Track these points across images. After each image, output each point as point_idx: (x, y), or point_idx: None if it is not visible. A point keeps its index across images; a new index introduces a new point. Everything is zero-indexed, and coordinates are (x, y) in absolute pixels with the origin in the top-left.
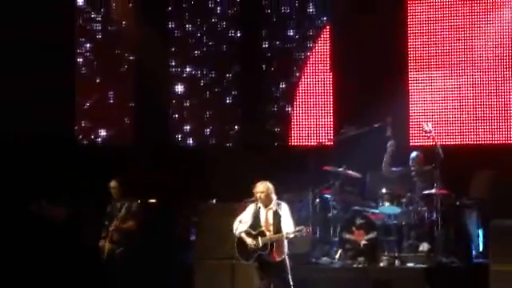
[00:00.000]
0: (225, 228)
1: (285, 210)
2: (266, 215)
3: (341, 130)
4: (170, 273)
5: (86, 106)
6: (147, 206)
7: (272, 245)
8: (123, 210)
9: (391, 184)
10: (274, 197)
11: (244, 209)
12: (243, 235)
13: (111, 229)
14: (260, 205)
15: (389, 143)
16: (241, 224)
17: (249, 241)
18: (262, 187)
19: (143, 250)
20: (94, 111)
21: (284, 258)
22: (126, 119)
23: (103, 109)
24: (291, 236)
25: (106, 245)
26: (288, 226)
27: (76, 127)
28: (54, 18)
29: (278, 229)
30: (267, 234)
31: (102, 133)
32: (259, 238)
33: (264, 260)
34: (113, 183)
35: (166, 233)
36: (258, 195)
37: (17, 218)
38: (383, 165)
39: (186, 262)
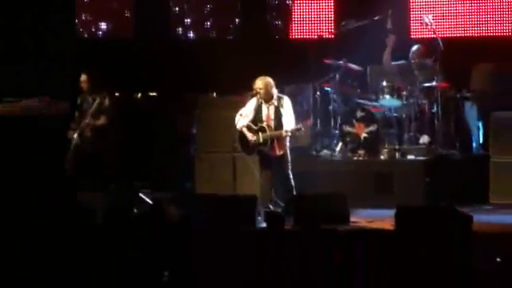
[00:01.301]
0: (225, 121)
1: (287, 105)
2: (268, 110)
3: (341, 23)
4: (171, 165)
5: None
6: (148, 98)
7: (272, 140)
8: (95, 105)
9: (392, 77)
10: (274, 92)
11: (245, 102)
12: (244, 130)
13: (83, 125)
14: (261, 100)
15: (389, 37)
16: (242, 118)
17: (249, 136)
18: (261, 83)
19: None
20: (95, 4)
21: (285, 152)
22: (126, 12)
23: (103, 2)
24: (290, 134)
25: (74, 137)
26: (289, 123)
27: (76, 20)
28: None
29: (278, 124)
30: (268, 129)
31: (103, 26)
32: (260, 134)
33: (265, 154)
34: (83, 77)
35: (166, 125)
36: (258, 91)
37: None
38: (383, 58)
39: (187, 154)
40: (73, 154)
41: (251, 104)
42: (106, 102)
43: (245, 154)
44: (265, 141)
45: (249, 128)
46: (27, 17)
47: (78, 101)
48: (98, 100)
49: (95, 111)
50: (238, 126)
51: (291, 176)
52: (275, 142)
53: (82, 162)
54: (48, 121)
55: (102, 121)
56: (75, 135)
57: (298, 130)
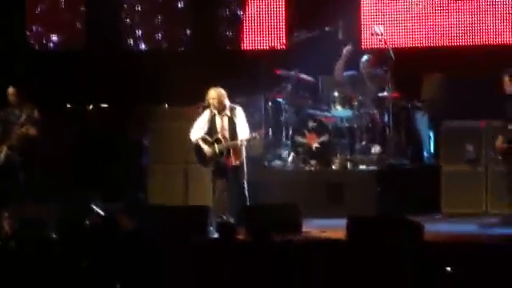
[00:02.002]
0: (177, 132)
1: (240, 115)
2: (222, 121)
3: (293, 34)
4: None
5: (37, 11)
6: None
7: (228, 151)
8: (23, 117)
9: (343, 87)
10: (227, 102)
11: (197, 113)
12: (200, 142)
13: (13, 135)
14: (215, 111)
15: (345, 48)
16: (197, 130)
17: (206, 148)
18: (214, 93)
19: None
20: (46, 16)
21: (242, 163)
22: (77, 23)
23: (54, 14)
24: (245, 143)
25: (2, 149)
26: (243, 132)
27: (27, 32)
28: None
29: (233, 134)
30: (223, 140)
31: (54, 38)
32: (215, 145)
33: (221, 165)
34: (10, 90)
35: (118, 137)
36: (211, 101)
37: None
38: (336, 69)
39: (139, 165)
40: (4, 167)
41: (205, 116)
42: (35, 113)
43: (199, 165)
44: (221, 152)
45: (204, 140)
46: None
47: (2, 114)
48: (25, 113)
49: (24, 123)
50: (193, 139)
51: (246, 187)
52: (231, 152)
53: (14, 173)
54: None
55: (32, 131)
56: (5, 147)
57: (253, 138)
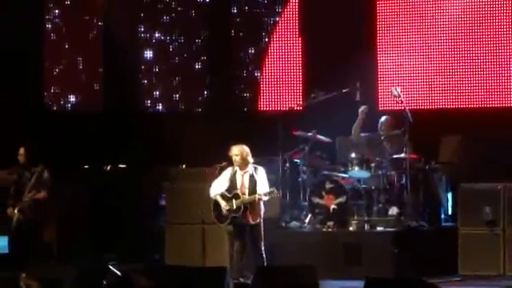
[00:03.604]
0: (195, 193)
1: (261, 174)
2: (242, 178)
3: (310, 95)
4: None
5: (55, 72)
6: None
7: (246, 207)
8: (33, 179)
9: (360, 148)
10: (250, 160)
11: (214, 174)
12: (218, 198)
13: (24, 199)
14: (236, 168)
15: (361, 108)
16: (216, 187)
17: (223, 204)
18: (237, 150)
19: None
20: (64, 77)
21: (259, 222)
22: (95, 85)
23: (72, 75)
24: (264, 198)
25: (14, 214)
26: (262, 188)
27: (45, 93)
28: None
29: (253, 192)
30: (241, 196)
31: (72, 99)
32: (233, 201)
33: (238, 223)
34: (21, 150)
35: (135, 197)
36: (234, 158)
37: None
38: (353, 129)
39: (156, 225)
40: (17, 229)
41: (226, 173)
42: (45, 174)
43: (216, 225)
44: (238, 207)
45: (222, 196)
46: None
47: (15, 176)
48: (36, 174)
49: (34, 185)
50: (212, 195)
51: (263, 248)
52: (249, 208)
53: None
54: None
55: (41, 194)
56: (16, 211)
57: (271, 193)
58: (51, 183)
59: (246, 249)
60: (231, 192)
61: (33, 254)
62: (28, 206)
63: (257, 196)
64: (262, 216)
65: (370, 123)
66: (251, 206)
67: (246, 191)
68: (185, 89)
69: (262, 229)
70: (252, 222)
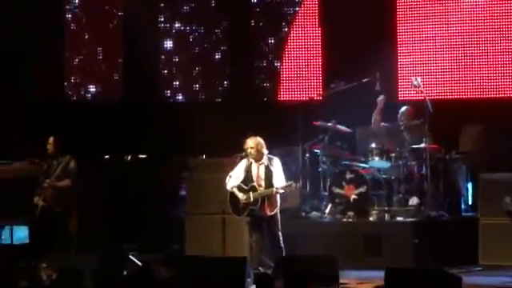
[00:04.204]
0: (215, 183)
1: (277, 165)
2: (258, 170)
3: (330, 85)
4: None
5: (75, 62)
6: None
7: (263, 199)
8: (59, 169)
9: (380, 138)
10: (265, 151)
11: (234, 164)
12: (235, 190)
13: (45, 185)
14: (251, 160)
15: (379, 98)
16: (233, 179)
17: (240, 196)
18: (252, 142)
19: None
20: (84, 67)
21: (276, 213)
22: (115, 75)
23: (92, 65)
24: (281, 191)
25: (39, 202)
26: (279, 181)
27: (66, 83)
28: None
29: (269, 183)
30: (258, 188)
31: (92, 89)
32: (250, 193)
33: (255, 214)
34: (50, 139)
35: (155, 188)
36: (249, 150)
37: None
38: (373, 119)
39: (177, 216)
40: (40, 218)
41: (241, 165)
42: (71, 164)
43: (235, 216)
44: (255, 200)
45: (239, 188)
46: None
47: (45, 165)
48: (63, 163)
49: (59, 175)
50: (229, 187)
51: (281, 237)
52: (266, 201)
53: (50, 224)
54: None
55: (64, 182)
56: (40, 200)
57: (288, 186)
58: (76, 174)
59: (264, 239)
60: (248, 184)
61: (53, 244)
62: (51, 195)
63: (274, 190)
64: (279, 207)
65: (391, 113)
66: (268, 199)
67: (263, 183)
68: (204, 79)
69: (280, 219)
70: (269, 213)
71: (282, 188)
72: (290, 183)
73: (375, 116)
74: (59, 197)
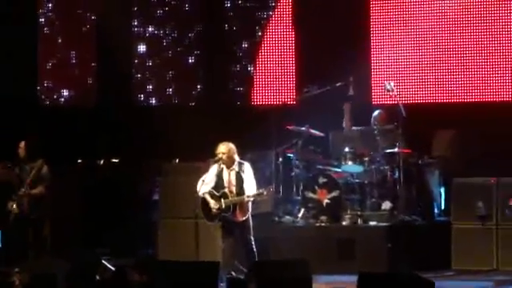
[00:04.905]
0: (188, 187)
1: (248, 171)
2: (229, 176)
3: (303, 89)
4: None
5: (48, 67)
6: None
7: (235, 206)
8: (32, 174)
9: (354, 143)
10: (236, 157)
11: (207, 168)
12: (206, 196)
13: (20, 193)
14: (223, 166)
15: (344, 105)
16: (204, 184)
17: (212, 203)
18: (224, 148)
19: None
20: (57, 71)
21: (247, 218)
22: (88, 79)
23: (66, 69)
24: (252, 199)
25: (13, 209)
26: (250, 188)
27: (38, 87)
28: None
29: (240, 190)
30: (230, 195)
31: (65, 93)
32: (222, 200)
33: (227, 220)
34: (21, 144)
35: (128, 192)
36: (220, 156)
37: None
38: (343, 124)
39: (149, 220)
40: (13, 224)
41: (213, 170)
42: (44, 170)
43: (207, 221)
44: (227, 207)
45: (211, 195)
46: None
47: (16, 170)
48: (35, 168)
49: (33, 180)
50: (201, 193)
51: (253, 242)
52: (237, 207)
53: (23, 231)
54: None
55: (38, 190)
56: (14, 206)
57: (259, 194)
58: (50, 179)
59: (236, 244)
60: (219, 190)
61: (26, 249)
62: (27, 202)
63: (245, 197)
64: (251, 212)
65: (364, 117)
66: (240, 205)
67: (234, 189)
68: (178, 83)
69: (252, 224)
70: (241, 219)
71: (254, 196)
72: (261, 191)
73: (345, 122)
74: (34, 204)
